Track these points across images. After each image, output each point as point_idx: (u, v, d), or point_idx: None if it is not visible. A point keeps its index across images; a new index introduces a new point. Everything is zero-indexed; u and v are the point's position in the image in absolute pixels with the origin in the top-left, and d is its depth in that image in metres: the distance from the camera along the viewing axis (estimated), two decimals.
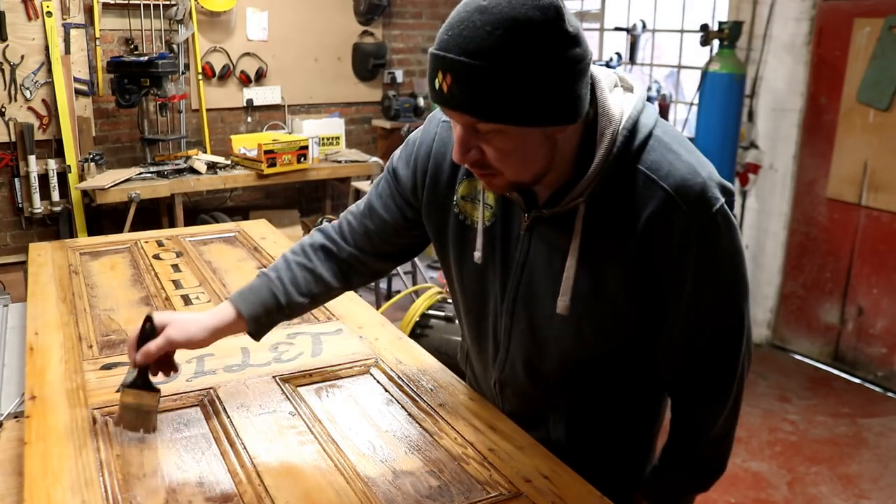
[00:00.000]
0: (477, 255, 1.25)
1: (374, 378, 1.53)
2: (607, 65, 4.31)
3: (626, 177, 1.08)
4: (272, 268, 1.37)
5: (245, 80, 4.93)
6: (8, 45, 4.13)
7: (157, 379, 1.30)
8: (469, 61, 0.94)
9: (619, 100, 1.11)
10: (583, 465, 1.25)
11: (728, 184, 1.13)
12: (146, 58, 4.20)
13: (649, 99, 4.38)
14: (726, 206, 1.11)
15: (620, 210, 1.09)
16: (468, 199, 1.25)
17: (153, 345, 1.25)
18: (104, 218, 4.50)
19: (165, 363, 1.30)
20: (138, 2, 4.45)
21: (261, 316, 1.32)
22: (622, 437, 1.35)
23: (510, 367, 1.31)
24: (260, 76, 4.96)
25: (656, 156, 1.09)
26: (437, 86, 0.99)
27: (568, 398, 1.31)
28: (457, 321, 2.83)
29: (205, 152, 4.74)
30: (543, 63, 0.94)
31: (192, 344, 1.28)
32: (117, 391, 1.29)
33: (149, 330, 1.26)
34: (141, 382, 1.27)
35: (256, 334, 1.35)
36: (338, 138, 4.98)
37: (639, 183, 1.08)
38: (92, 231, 4.38)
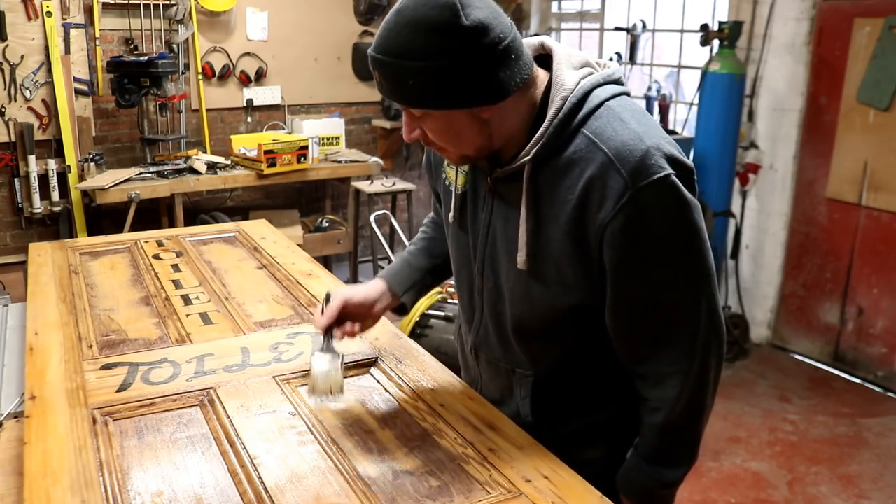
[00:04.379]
0: (451, 215, 1.35)
1: (374, 378, 1.53)
2: None
3: (571, 141, 1.14)
4: (408, 247, 1.60)
5: (245, 80, 4.92)
6: (8, 45, 4.13)
7: (343, 344, 1.44)
8: (385, 59, 1.09)
9: (578, 76, 1.17)
10: (559, 454, 1.25)
11: (685, 160, 1.12)
12: (146, 58, 4.20)
13: (649, 99, 4.38)
14: (675, 179, 1.09)
15: (564, 172, 1.15)
16: (451, 166, 1.35)
17: (332, 307, 1.39)
18: (104, 218, 4.50)
19: (348, 330, 1.42)
20: (138, 2, 4.45)
21: (403, 282, 1.50)
22: (595, 426, 1.34)
23: (484, 330, 1.37)
24: (260, 76, 4.96)
25: (602, 122, 1.14)
26: (375, 80, 1.13)
27: (531, 369, 1.32)
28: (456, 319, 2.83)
29: (205, 152, 4.74)
30: (445, 56, 1.06)
31: (366, 302, 1.44)
32: (312, 362, 1.41)
33: (329, 301, 1.41)
34: (326, 348, 1.41)
35: (407, 298, 1.51)
36: (338, 138, 4.98)
37: (582, 146, 1.13)
38: (92, 231, 4.38)
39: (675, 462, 1.26)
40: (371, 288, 1.47)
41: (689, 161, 1.14)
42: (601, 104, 1.15)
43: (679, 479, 1.26)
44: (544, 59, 1.21)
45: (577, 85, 1.15)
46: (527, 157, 1.16)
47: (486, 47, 1.06)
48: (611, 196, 1.09)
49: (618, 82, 1.19)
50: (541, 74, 1.19)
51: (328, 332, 1.41)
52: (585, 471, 1.22)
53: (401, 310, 1.52)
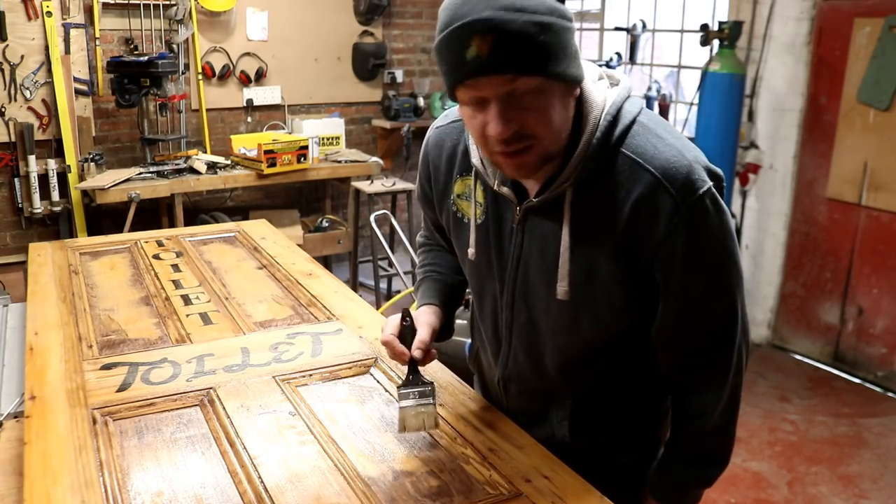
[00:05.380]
0: (471, 251, 1.28)
1: (374, 378, 1.53)
2: (607, 64, 4.31)
3: (612, 161, 1.11)
4: (426, 266, 1.48)
5: (245, 80, 4.92)
6: (8, 45, 4.13)
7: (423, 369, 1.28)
8: (509, 15, 0.96)
9: (603, 89, 1.14)
10: (588, 463, 1.25)
11: (717, 169, 1.13)
12: (146, 58, 4.19)
13: (649, 99, 4.38)
14: (714, 190, 1.11)
15: (607, 194, 1.11)
16: (463, 198, 1.29)
17: (425, 334, 1.26)
18: (104, 218, 4.50)
19: (433, 356, 1.30)
20: (138, 2, 4.45)
21: (448, 302, 1.40)
22: (627, 434, 1.35)
23: (513, 362, 1.32)
24: (260, 76, 4.96)
25: (641, 140, 1.11)
26: (470, 55, 0.98)
27: (570, 393, 1.31)
28: (457, 320, 2.81)
29: (205, 152, 4.73)
30: (562, 16, 1.01)
31: (438, 327, 1.32)
32: (400, 396, 1.23)
33: (407, 326, 1.26)
34: (414, 379, 1.23)
35: (448, 327, 1.41)
36: (338, 138, 4.98)
37: (624, 167, 1.10)
38: (92, 231, 4.38)
39: (714, 461, 1.28)
40: (435, 314, 1.35)
41: (719, 168, 1.14)
42: (634, 120, 1.12)
43: (717, 476, 1.29)
44: None
45: (605, 101, 1.12)
46: (567, 182, 1.12)
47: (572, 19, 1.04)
48: (662, 216, 1.08)
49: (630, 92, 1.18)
50: None
51: (413, 361, 1.25)
52: (615, 475, 1.24)
53: (446, 330, 1.41)
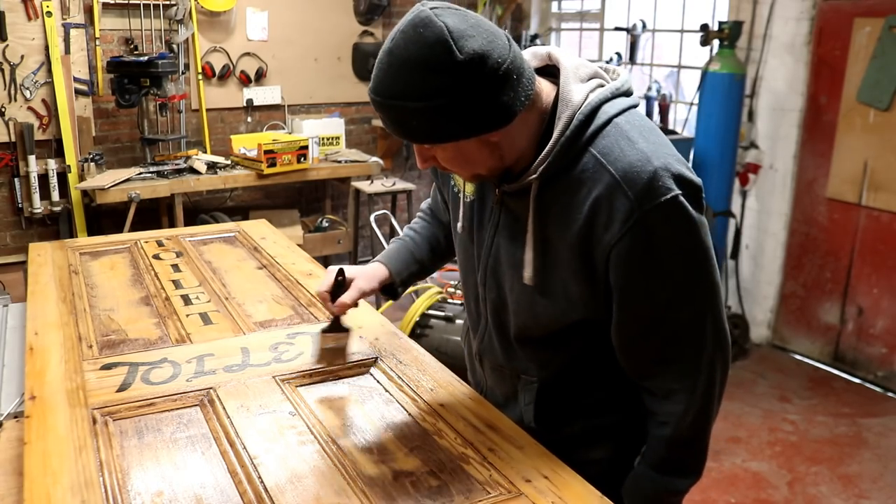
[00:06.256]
0: (460, 224, 1.35)
1: (374, 378, 1.54)
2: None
3: (578, 159, 1.13)
4: (408, 229, 1.66)
5: (245, 80, 4.92)
6: (8, 45, 4.13)
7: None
8: (384, 101, 1.07)
9: (586, 90, 1.15)
10: (560, 449, 1.26)
11: (693, 178, 1.11)
12: (146, 58, 4.20)
13: (649, 99, 4.38)
14: (683, 199, 1.09)
15: (571, 191, 1.14)
16: None
17: (348, 298, 1.48)
18: (104, 218, 4.50)
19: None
20: (138, 2, 4.45)
21: (402, 272, 1.57)
22: (600, 431, 1.34)
23: (487, 337, 1.38)
24: (260, 76, 4.96)
25: (609, 141, 1.12)
26: (380, 117, 1.12)
27: (536, 377, 1.33)
28: (457, 320, 2.83)
29: (205, 152, 4.74)
30: (444, 94, 1.03)
31: (372, 292, 1.54)
32: (323, 333, 1.56)
33: (340, 281, 1.48)
34: (335, 327, 1.55)
35: (401, 287, 1.60)
36: (338, 138, 4.98)
37: (589, 166, 1.12)
38: (92, 231, 4.38)
39: (684, 472, 1.27)
40: (376, 277, 1.54)
41: (697, 178, 1.13)
42: (609, 121, 1.13)
43: (688, 487, 1.27)
44: (552, 69, 1.20)
45: (585, 100, 1.13)
46: (533, 176, 1.15)
47: (486, 76, 1.03)
48: (617, 218, 1.09)
49: (627, 94, 1.18)
50: (546, 87, 1.17)
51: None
52: (589, 471, 1.23)
53: (390, 292, 1.60)
